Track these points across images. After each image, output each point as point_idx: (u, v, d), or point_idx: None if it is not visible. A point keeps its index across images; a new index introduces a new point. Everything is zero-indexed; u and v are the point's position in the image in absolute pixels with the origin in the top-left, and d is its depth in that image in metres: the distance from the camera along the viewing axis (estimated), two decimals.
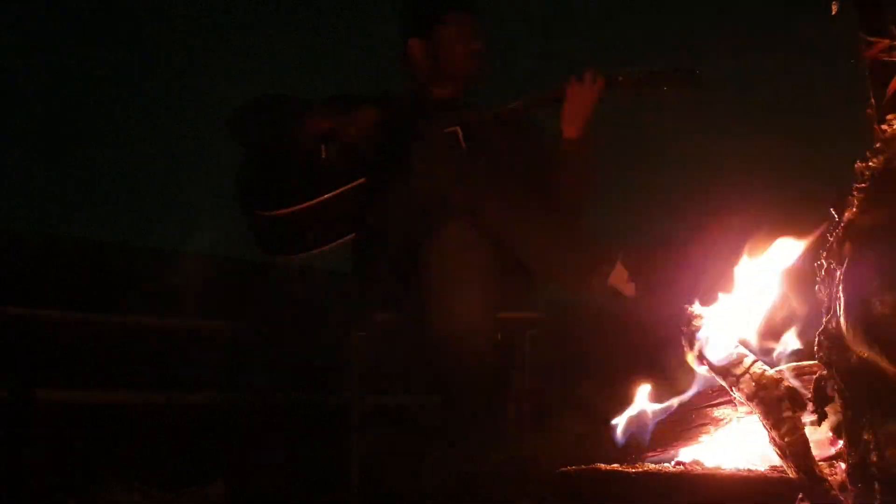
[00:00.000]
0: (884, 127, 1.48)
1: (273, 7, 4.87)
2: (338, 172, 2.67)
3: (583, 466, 1.81)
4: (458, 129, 2.74)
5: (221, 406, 2.87)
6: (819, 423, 1.59)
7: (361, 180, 2.66)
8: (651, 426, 1.89)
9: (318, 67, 4.56)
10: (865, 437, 1.45)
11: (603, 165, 2.79)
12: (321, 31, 4.77)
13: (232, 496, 2.54)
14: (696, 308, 1.84)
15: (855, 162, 1.49)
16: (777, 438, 1.59)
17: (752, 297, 1.85)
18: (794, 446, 1.56)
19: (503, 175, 2.73)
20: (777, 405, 1.61)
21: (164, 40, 4.72)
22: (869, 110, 1.52)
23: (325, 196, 2.64)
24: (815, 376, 1.62)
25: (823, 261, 1.53)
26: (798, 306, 1.80)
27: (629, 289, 2.50)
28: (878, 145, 1.48)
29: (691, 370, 1.84)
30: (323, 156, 2.66)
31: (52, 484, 2.52)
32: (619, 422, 1.91)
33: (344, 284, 2.84)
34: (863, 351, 1.40)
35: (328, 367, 2.78)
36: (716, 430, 1.82)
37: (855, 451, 1.48)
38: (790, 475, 1.58)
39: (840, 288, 1.43)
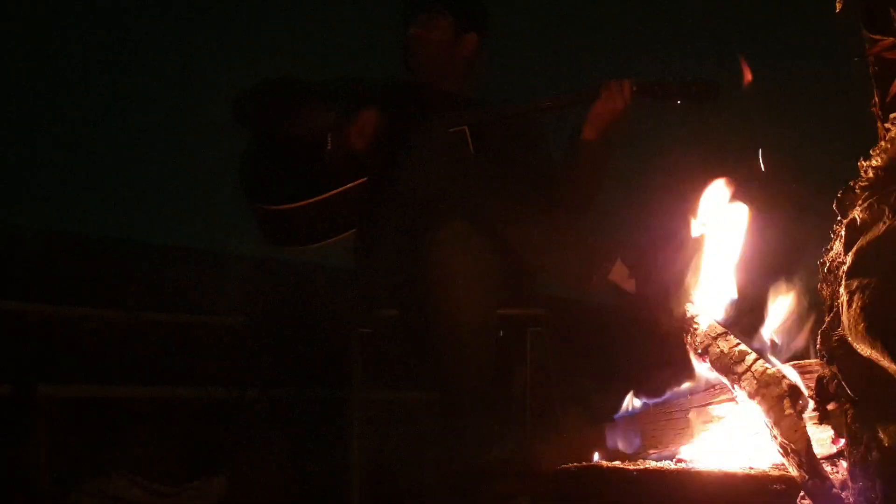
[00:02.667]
0: (887, 125, 1.48)
1: None
2: (343, 168, 2.67)
3: (584, 464, 1.82)
4: (466, 128, 2.74)
5: (223, 401, 2.88)
6: (821, 421, 1.59)
7: (364, 179, 2.66)
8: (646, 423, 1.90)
9: (323, 54, 4.55)
10: (867, 435, 1.45)
11: (614, 170, 2.79)
12: (327, 17, 4.77)
13: (233, 491, 2.54)
14: (698, 305, 1.84)
15: (858, 160, 1.49)
16: (779, 436, 1.59)
17: (752, 293, 1.85)
18: (795, 444, 1.56)
19: (506, 172, 2.72)
20: (779, 403, 1.61)
21: (165, 31, 4.72)
22: (872, 108, 1.52)
23: (330, 192, 2.64)
24: (816, 374, 1.62)
25: (826, 258, 1.53)
26: (800, 303, 1.81)
27: (630, 285, 2.50)
28: (881, 143, 1.48)
29: (693, 367, 1.84)
30: (328, 147, 2.66)
31: (53, 478, 2.52)
32: (620, 419, 1.91)
33: (346, 281, 2.84)
34: (865, 349, 1.40)
35: (330, 362, 2.78)
36: (717, 427, 1.82)
37: (857, 450, 1.48)
38: (792, 473, 1.58)
39: (843, 285, 1.43)
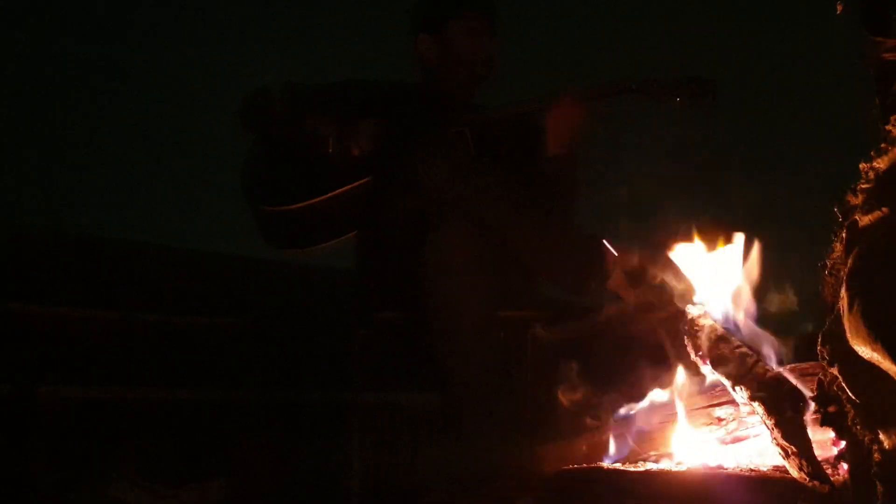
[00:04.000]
0: (888, 127, 1.48)
1: None
2: (345, 169, 2.66)
3: (585, 465, 1.82)
4: (467, 130, 2.74)
5: (224, 403, 2.88)
6: (822, 423, 1.59)
7: (366, 179, 2.66)
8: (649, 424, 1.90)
9: (328, 58, 4.55)
10: (868, 437, 1.45)
11: (616, 178, 2.77)
12: (333, 20, 4.76)
13: (233, 493, 2.54)
14: (699, 307, 1.84)
15: (859, 162, 1.49)
16: (779, 438, 1.59)
17: (754, 297, 1.85)
18: (796, 446, 1.56)
19: (506, 175, 2.72)
20: (779, 405, 1.61)
21: (167, 31, 4.72)
22: (873, 110, 1.52)
23: (332, 193, 2.64)
24: (817, 376, 1.62)
25: (827, 260, 1.53)
26: (801, 306, 1.81)
27: (628, 294, 2.50)
28: (882, 145, 1.48)
29: (694, 369, 1.84)
30: (330, 149, 2.66)
31: (54, 480, 2.52)
32: (624, 420, 1.91)
33: (347, 282, 2.84)
34: (866, 350, 1.40)
35: (330, 364, 2.78)
36: (718, 429, 1.82)
37: (857, 452, 1.48)
38: (792, 475, 1.58)
39: (844, 288, 1.43)
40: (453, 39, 2.77)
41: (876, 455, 1.43)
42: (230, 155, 2.85)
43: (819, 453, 1.59)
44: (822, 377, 1.57)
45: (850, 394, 1.47)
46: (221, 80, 4.41)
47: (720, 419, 1.84)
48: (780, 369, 1.74)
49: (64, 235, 3.63)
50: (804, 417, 1.60)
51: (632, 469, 1.75)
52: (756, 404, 1.64)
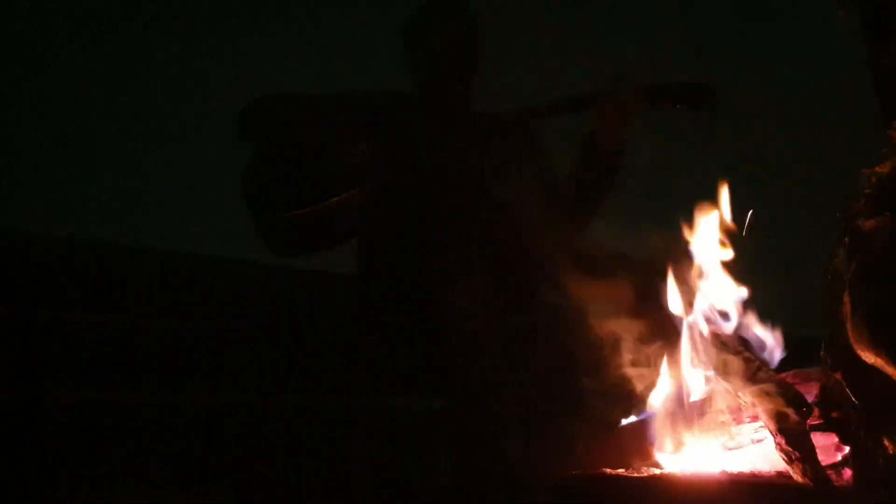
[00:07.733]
0: (890, 132, 1.48)
1: (280, 4, 4.86)
2: (347, 176, 2.67)
3: (589, 471, 1.82)
4: (468, 135, 2.75)
5: (227, 407, 2.88)
6: (825, 428, 1.59)
7: (367, 186, 2.67)
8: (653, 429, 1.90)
9: (328, 65, 4.55)
10: (872, 442, 1.45)
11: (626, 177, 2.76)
12: (336, 26, 4.77)
13: (237, 497, 2.55)
14: (703, 312, 1.85)
15: (861, 167, 1.50)
16: (783, 444, 1.59)
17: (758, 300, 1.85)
18: (800, 452, 1.56)
19: (510, 179, 2.73)
20: (783, 411, 1.61)
21: (167, 35, 4.72)
22: (876, 116, 1.52)
23: (334, 200, 2.65)
24: (821, 382, 1.62)
25: (830, 266, 1.53)
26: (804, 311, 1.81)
27: (630, 301, 2.51)
28: (884, 150, 1.48)
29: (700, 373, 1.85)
30: (332, 157, 2.67)
31: (57, 485, 2.53)
32: (628, 424, 1.91)
33: (352, 287, 2.84)
34: (869, 356, 1.40)
35: (334, 369, 2.78)
36: (722, 434, 1.82)
37: (861, 457, 1.48)
38: (796, 480, 1.58)
39: (847, 293, 1.43)
40: (424, 50, 2.78)
41: (879, 460, 1.43)
42: (235, 159, 2.86)
43: (823, 458, 1.59)
44: (826, 382, 1.57)
45: (853, 399, 1.47)
46: (226, 83, 4.42)
47: (724, 424, 1.84)
48: (784, 375, 1.74)
49: (68, 239, 3.64)
50: (807, 423, 1.60)
51: (636, 474, 1.75)
52: (760, 409, 1.64)
